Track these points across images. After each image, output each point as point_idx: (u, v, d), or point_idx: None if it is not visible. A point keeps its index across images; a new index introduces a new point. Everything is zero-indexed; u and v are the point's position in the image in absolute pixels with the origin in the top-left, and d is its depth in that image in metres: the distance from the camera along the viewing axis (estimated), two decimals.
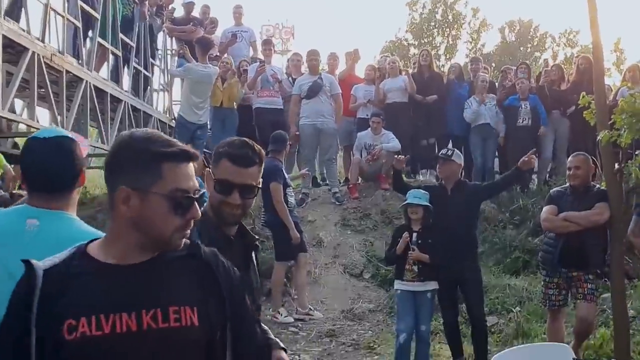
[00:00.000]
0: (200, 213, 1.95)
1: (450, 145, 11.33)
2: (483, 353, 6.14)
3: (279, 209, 7.89)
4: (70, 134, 2.67)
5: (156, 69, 12.59)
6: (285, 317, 7.98)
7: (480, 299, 6.33)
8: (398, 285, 6.33)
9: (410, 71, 12.24)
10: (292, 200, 8.22)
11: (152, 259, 1.92)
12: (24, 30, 7.62)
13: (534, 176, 11.60)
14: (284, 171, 8.23)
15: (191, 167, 1.92)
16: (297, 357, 7.01)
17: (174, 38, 12.70)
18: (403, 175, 9.97)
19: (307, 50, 11.12)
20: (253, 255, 2.80)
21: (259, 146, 2.75)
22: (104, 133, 9.98)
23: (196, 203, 1.93)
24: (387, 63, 11.79)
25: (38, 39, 7.95)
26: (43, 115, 10.32)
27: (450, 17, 38.93)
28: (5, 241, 2.35)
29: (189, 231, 1.95)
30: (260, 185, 2.74)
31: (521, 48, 39.24)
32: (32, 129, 9.18)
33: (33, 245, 2.27)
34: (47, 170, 2.47)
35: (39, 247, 2.17)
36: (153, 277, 1.91)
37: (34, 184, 2.50)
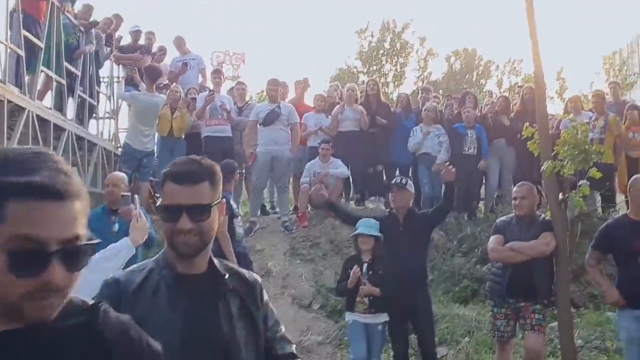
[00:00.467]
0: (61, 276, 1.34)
1: (397, 173, 11.46)
2: None
3: (221, 240, 7.76)
4: None
5: (102, 97, 12.40)
6: None
7: (431, 330, 6.33)
8: (349, 316, 6.28)
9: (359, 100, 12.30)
10: (240, 230, 8.11)
11: (23, 329, 1.35)
12: None
13: (481, 204, 11.73)
14: (231, 202, 8.13)
15: (68, 207, 1.34)
16: None
17: (121, 66, 12.54)
18: (351, 204, 10.06)
19: (268, 79, 11.05)
20: (227, 300, 2.36)
21: (210, 161, 2.43)
22: None
23: (54, 260, 1.32)
24: (346, 90, 11.81)
25: None
26: None
27: (398, 45, 39.48)
28: None
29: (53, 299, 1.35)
30: (215, 203, 2.36)
31: (467, 76, 39.99)
32: None
33: None
34: None
35: None
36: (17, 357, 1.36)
37: None
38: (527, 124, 6.53)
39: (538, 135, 6.22)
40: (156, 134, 11.29)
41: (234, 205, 8.26)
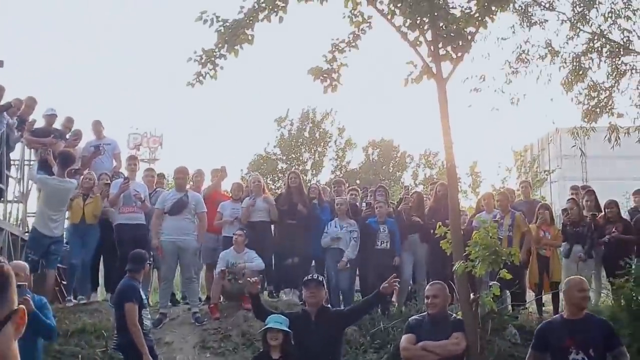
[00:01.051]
0: None
1: (313, 265, 11.44)
2: None
3: (132, 332, 7.53)
4: None
5: (11, 180, 12.04)
6: None
7: None
8: None
9: (279, 191, 12.35)
10: (147, 322, 7.89)
11: None
12: None
13: (394, 299, 11.77)
14: (141, 291, 7.94)
15: None
16: None
17: (33, 149, 12.25)
18: (264, 295, 9.93)
19: (176, 167, 10.99)
20: None
21: None
22: None
23: None
24: (252, 182, 11.86)
25: None
26: None
27: (317, 134, 40.19)
28: None
29: None
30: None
31: (384, 167, 40.91)
32: None
33: None
34: None
35: None
36: None
37: None
38: (439, 223, 6.69)
39: (450, 236, 6.36)
40: (65, 219, 10.99)
41: (144, 296, 8.06)
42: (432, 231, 10.41)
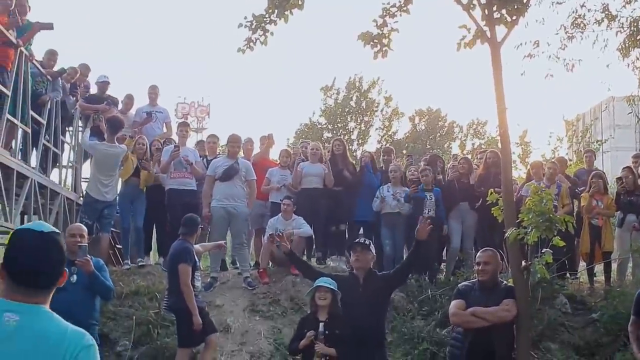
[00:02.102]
0: None
1: (361, 232, 11.45)
2: None
3: (184, 292, 7.68)
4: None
5: (66, 146, 12.30)
6: None
7: None
8: None
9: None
10: (198, 284, 8.04)
11: None
12: None
13: (443, 266, 11.76)
14: (194, 254, 8.08)
15: None
16: None
17: (86, 116, 12.46)
18: (311, 262, 10.02)
19: (230, 134, 11.08)
20: None
21: None
22: (7, 210, 9.59)
23: None
24: (310, 148, 11.87)
25: None
26: None
27: (363, 104, 39.98)
28: None
29: None
30: None
31: (431, 137, 40.56)
32: None
33: (10, 340, 2.26)
34: (39, 266, 2.40)
35: (16, 342, 2.25)
36: None
37: (19, 278, 2.39)
38: (491, 190, 6.63)
39: (503, 202, 6.31)
40: (118, 184, 11.19)
41: (197, 259, 8.20)
42: (481, 199, 10.35)
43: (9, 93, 9.31)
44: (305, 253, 11.42)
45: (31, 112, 10.22)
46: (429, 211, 10.80)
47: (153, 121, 12.56)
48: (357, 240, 6.77)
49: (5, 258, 2.46)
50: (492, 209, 6.56)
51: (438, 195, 11.00)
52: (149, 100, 13.00)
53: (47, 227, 2.54)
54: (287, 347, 6.93)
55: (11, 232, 2.61)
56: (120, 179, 11.14)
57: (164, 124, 13.01)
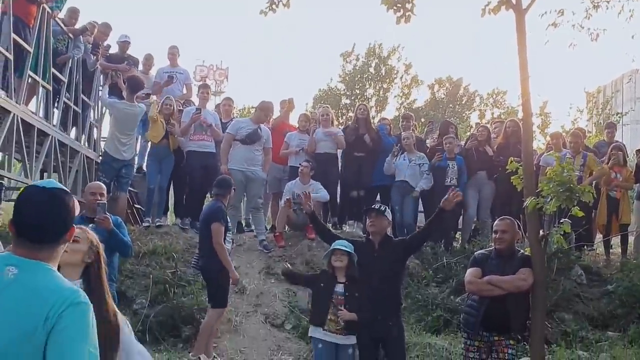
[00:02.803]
0: None
1: (377, 198, 11.46)
2: None
3: (218, 251, 7.69)
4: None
5: (87, 105, 12.33)
6: None
7: (403, 358, 6.29)
8: (318, 334, 6.20)
9: (347, 123, 12.32)
10: (228, 246, 8.06)
11: None
12: None
13: (458, 234, 11.77)
14: (227, 215, 8.12)
15: None
16: None
17: (105, 74, 12.48)
18: (329, 225, 10.04)
19: (262, 101, 11.15)
20: None
21: None
22: (27, 167, 9.67)
23: None
24: (320, 114, 11.86)
25: None
26: None
27: (383, 70, 39.68)
28: None
29: None
30: None
31: (450, 105, 40.25)
32: None
33: (7, 292, 2.31)
34: (41, 220, 2.44)
35: (9, 293, 2.30)
36: None
37: (23, 232, 2.44)
38: (511, 158, 6.59)
39: (522, 171, 6.28)
40: (137, 143, 11.22)
41: (229, 220, 8.23)
42: (499, 168, 10.30)
43: (31, 49, 9.32)
44: (321, 218, 11.44)
45: (52, 70, 10.25)
46: (450, 180, 10.77)
47: (174, 83, 12.54)
48: (372, 205, 6.75)
49: (13, 213, 2.52)
50: (512, 177, 6.52)
51: (461, 163, 10.95)
52: (169, 61, 12.97)
53: (55, 184, 2.57)
54: (287, 272, 6.98)
55: (22, 188, 2.66)
56: (149, 142, 11.21)
57: (184, 86, 12.99)
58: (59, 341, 2.25)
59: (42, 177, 10.60)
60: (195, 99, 12.43)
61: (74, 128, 11.54)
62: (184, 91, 12.94)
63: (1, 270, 2.37)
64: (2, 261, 2.40)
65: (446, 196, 6.42)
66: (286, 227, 11.11)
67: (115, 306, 3.08)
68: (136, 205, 12.33)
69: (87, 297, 2.39)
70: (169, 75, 12.51)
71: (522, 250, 6.42)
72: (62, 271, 2.59)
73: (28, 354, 2.24)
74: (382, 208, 6.56)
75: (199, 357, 7.78)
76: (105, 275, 3.22)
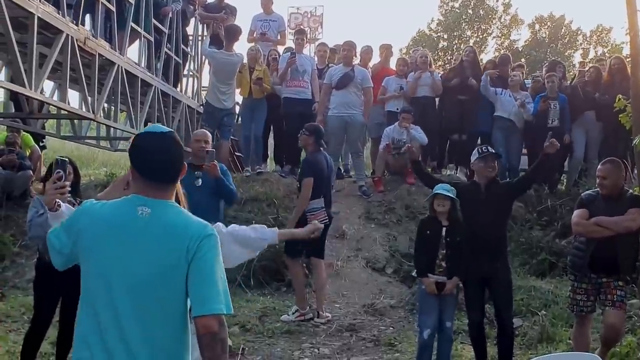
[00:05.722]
0: None
1: (478, 142, 11.22)
2: (508, 357, 6.05)
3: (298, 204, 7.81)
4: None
5: (187, 55, 12.59)
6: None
7: (510, 301, 6.21)
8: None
9: (445, 66, 12.07)
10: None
11: None
12: (58, 13, 7.59)
13: (563, 177, 11.45)
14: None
15: None
16: (316, 350, 6.99)
17: (205, 24, 12.65)
18: (429, 170, 9.96)
19: (344, 41, 11.02)
20: None
21: None
22: (133, 117, 10.01)
23: None
24: (418, 56, 11.67)
25: (72, 22, 7.93)
26: (73, 98, 10.38)
27: (481, 11, 38.64)
28: (120, 231, 2.60)
29: None
30: None
31: (551, 45, 38.83)
32: (62, 111, 9.23)
33: (147, 230, 2.59)
34: (167, 162, 2.70)
35: (151, 229, 2.58)
36: None
37: (149, 174, 2.68)
38: (619, 96, 6.33)
39: (631, 109, 6.03)
40: (236, 92, 11.38)
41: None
42: (604, 107, 9.87)
43: (132, 1, 9.54)
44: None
45: (153, 21, 10.48)
46: (552, 121, 10.42)
47: (266, 30, 12.49)
48: (486, 148, 6.53)
49: (133, 159, 2.72)
50: (620, 115, 6.27)
51: (564, 103, 10.55)
52: (262, 9, 12.87)
53: (165, 128, 2.81)
54: (414, 257, 6.80)
55: (134, 136, 2.89)
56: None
57: (279, 33, 12.98)
58: (200, 266, 2.58)
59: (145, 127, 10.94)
60: (290, 45, 12.40)
61: (175, 78, 11.81)
62: (278, 37, 12.94)
63: (134, 211, 2.63)
64: (132, 203, 2.66)
65: (547, 142, 6.21)
66: (385, 172, 11.09)
67: None
68: (237, 153, 12.59)
69: (214, 229, 2.70)
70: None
71: (630, 190, 6.19)
72: None
73: (175, 282, 2.58)
74: (490, 150, 6.40)
75: (318, 312, 7.88)
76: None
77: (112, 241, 2.58)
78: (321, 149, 7.88)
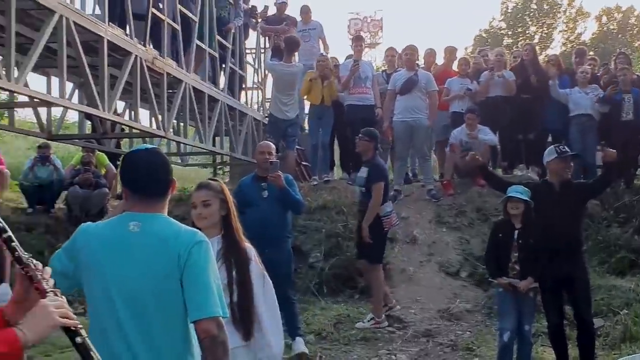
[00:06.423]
0: None
1: (549, 139, 10.99)
2: (590, 358, 5.91)
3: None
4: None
5: (250, 68, 12.77)
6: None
7: (589, 301, 6.07)
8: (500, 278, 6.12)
9: (510, 63, 11.86)
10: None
11: None
12: (127, 35, 7.81)
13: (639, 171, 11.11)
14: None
15: None
16: (393, 356, 6.97)
17: (267, 37, 12.78)
18: (497, 171, 9.79)
19: (405, 45, 10.95)
20: None
21: None
22: (201, 132, 10.19)
23: None
24: (495, 55, 11.49)
25: (140, 43, 8.15)
26: (143, 116, 10.64)
27: (545, 6, 37.94)
28: (113, 247, 2.73)
29: None
30: None
31: (620, 36, 37.80)
32: (134, 130, 9.47)
33: (138, 243, 2.70)
34: (155, 176, 2.82)
35: (144, 243, 2.69)
36: None
37: (139, 190, 2.81)
38: None
39: None
40: (298, 102, 11.42)
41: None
42: None
43: (197, 19, 9.73)
44: (490, 163, 11.18)
45: (217, 37, 10.66)
46: (626, 114, 10.12)
47: (306, 41, 12.29)
48: (564, 148, 6.38)
49: (122, 177, 2.88)
50: None
51: (637, 96, 10.23)
52: (301, 18, 12.79)
53: (149, 145, 3.00)
54: (485, 261, 6.73)
55: (122, 156, 3.11)
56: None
57: (319, 40, 12.88)
58: (193, 272, 2.67)
59: (213, 142, 11.13)
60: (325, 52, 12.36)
61: (240, 92, 11.98)
62: (320, 44, 12.86)
63: (126, 227, 2.74)
64: (124, 220, 2.79)
65: (602, 155, 6.06)
66: (454, 175, 10.97)
67: (245, 243, 3.84)
68: (303, 163, 12.65)
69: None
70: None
71: None
72: (206, 232, 3.04)
73: (171, 290, 2.67)
74: (565, 149, 6.27)
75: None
76: (236, 219, 3.83)
77: (107, 257, 2.71)
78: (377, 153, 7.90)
